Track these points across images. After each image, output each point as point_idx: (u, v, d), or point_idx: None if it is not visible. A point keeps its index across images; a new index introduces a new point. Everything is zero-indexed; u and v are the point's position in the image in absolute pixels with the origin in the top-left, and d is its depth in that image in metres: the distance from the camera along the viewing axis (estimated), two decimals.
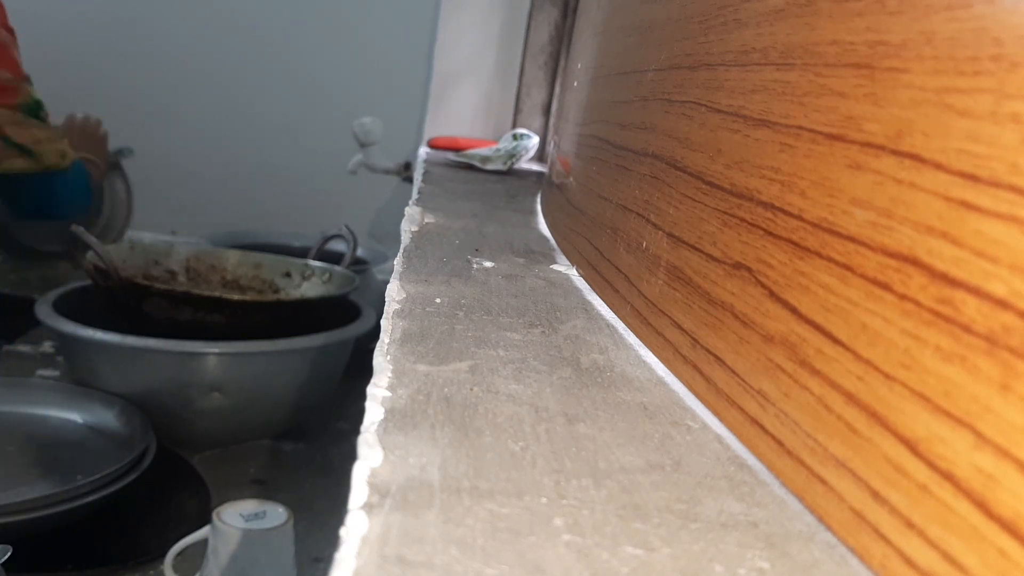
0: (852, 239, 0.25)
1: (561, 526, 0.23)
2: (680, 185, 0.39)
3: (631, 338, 0.43)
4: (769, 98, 0.31)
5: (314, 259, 1.14)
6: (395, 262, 0.53)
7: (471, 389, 0.33)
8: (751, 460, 0.29)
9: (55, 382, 0.93)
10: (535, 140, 1.23)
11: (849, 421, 0.24)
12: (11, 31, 1.12)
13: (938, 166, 0.22)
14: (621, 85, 0.53)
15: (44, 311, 0.88)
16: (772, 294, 0.29)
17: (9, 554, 0.58)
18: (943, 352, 0.21)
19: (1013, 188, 0.19)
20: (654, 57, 0.46)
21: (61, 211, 1.23)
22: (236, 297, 0.92)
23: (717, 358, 0.33)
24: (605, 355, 0.40)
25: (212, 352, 0.84)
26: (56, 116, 1.20)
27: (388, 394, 0.31)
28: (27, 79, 1.12)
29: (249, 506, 0.62)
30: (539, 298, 0.49)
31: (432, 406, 0.30)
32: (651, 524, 0.24)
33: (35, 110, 1.12)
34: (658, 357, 0.40)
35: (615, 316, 0.47)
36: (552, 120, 1.43)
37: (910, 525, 0.21)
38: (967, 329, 0.20)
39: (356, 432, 0.28)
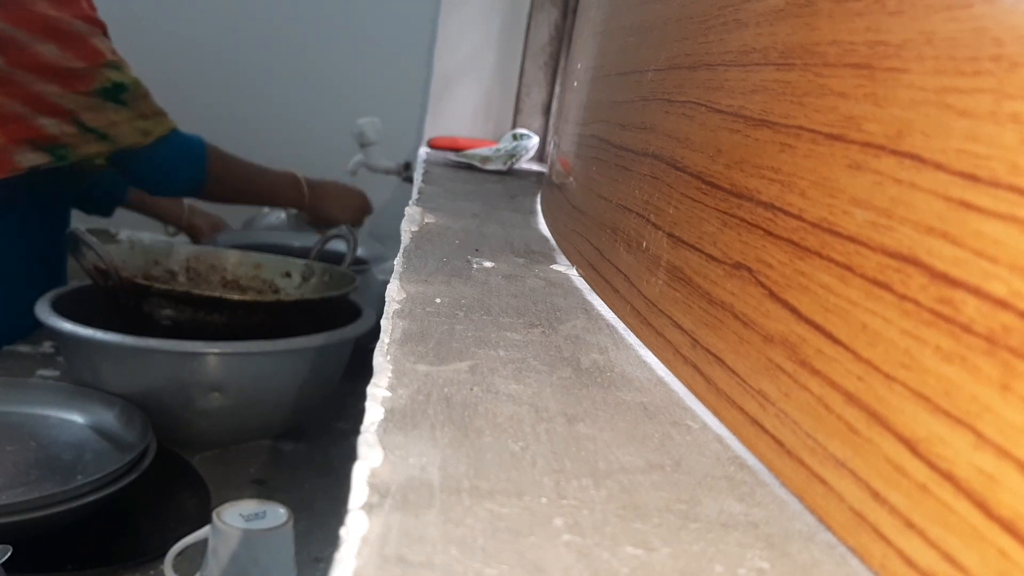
0: (852, 239, 0.25)
1: (561, 526, 0.23)
2: (680, 185, 0.39)
3: (631, 338, 0.43)
4: (769, 98, 0.31)
5: (314, 259, 1.13)
6: (395, 262, 0.53)
7: (471, 389, 0.33)
8: (751, 460, 0.29)
9: (55, 382, 0.93)
10: (535, 140, 1.23)
11: (849, 421, 0.24)
12: (92, 21, 1.15)
13: (938, 166, 0.22)
14: (621, 85, 0.53)
15: (44, 311, 0.88)
16: (772, 294, 0.29)
17: (9, 554, 0.58)
18: (943, 352, 0.21)
19: (1013, 188, 0.19)
20: (654, 57, 0.46)
21: (164, 186, 1.29)
22: (236, 297, 0.92)
23: (717, 358, 0.33)
24: (605, 355, 0.40)
25: (212, 352, 0.84)
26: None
27: (388, 394, 0.31)
28: (110, 64, 1.14)
29: (249, 506, 0.62)
30: (539, 298, 0.49)
31: (432, 406, 0.30)
32: (651, 524, 0.24)
33: (114, 93, 1.14)
34: (658, 357, 0.40)
35: (615, 316, 0.47)
36: (552, 120, 1.43)
37: (910, 525, 0.21)
38: (967, 329, 0.20)
39: (356, 432, 0.28)
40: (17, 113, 1.08)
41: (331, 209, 1.42)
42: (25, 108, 1.09)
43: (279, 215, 1.55)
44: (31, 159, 1.10)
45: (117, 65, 1.16)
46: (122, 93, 1.15)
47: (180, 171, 1.26)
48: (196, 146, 1.26)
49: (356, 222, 1.45)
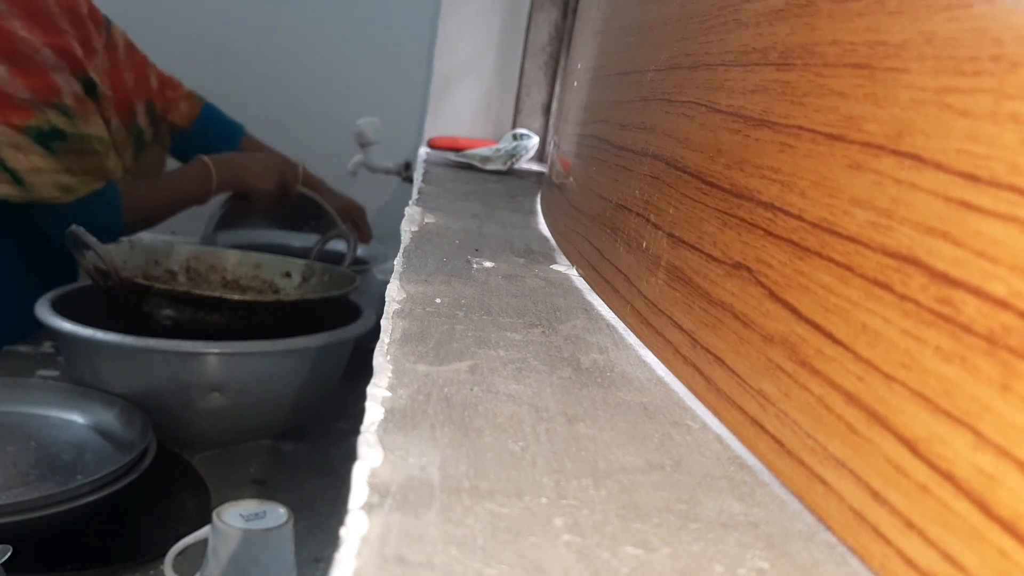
0: (852, 239, 0.25)
1: (561, 526, 0.23)
2: (680, 185, 0.39)
3: (631, 338, 0.43)
4: (769, 98, 0.31)
5: (314, 259, 1.14)
6: (395, 262, 0.53)
7: (471, 389, 0.33)
8: (751, 460, 0.29)
9: (55, 382, 0.93)
10: (535, 140, 1.23)
11: (849, 421, 0.24)
12: (66, 55, 1.06)
13: (938, 166, 0.22)
14: (621, 85, 0.53)
15: (44, 311, 0.88)
16: (772, 294, 0.29)
17: (9, 554, 0.58)
18: (943, 352, 0.21)
19: (1013, 188, 0.19)
20: (654, 57, 0.46)
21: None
22: (236, 297, 0.92)
23: (717, 358, 0.33)
24: (605, 355, 0.40)
25: (212, 352, 0.84)
26: None
27: (388, 394, 0.31)
28: (58, 106, 1.05)
29: (249, 506, 0.62)
30: (539, 298, 0.49)
31: (432, 406, 0.30)
32: (651, 524, 0.24)
33: (47, 138, 1.05)
34: (658, 357, 0.40)
35: (615, 316, 0.47)
36: (552, 120, 1.43)
37: (910, 525, 0.21)
38: (967, 329, 0.20)
39: (356, 432, 0.28)
40: None
41: (246, 180, 1.29)
42: None
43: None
44: None
45: (68, 111, 1.06)
46: (55, 141, 1.05)
47: (97, 227, 1.13)
48: (111, 196, 1.15)
49: (282, 186, 1.33)
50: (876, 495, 0.22)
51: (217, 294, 0.91)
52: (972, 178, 0.20)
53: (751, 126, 0.32)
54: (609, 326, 0.45)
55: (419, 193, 0.86)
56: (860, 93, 0.25)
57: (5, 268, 1.14)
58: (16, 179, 1.04)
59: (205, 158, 1.27)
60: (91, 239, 0.91)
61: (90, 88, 1.12)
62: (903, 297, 0.22)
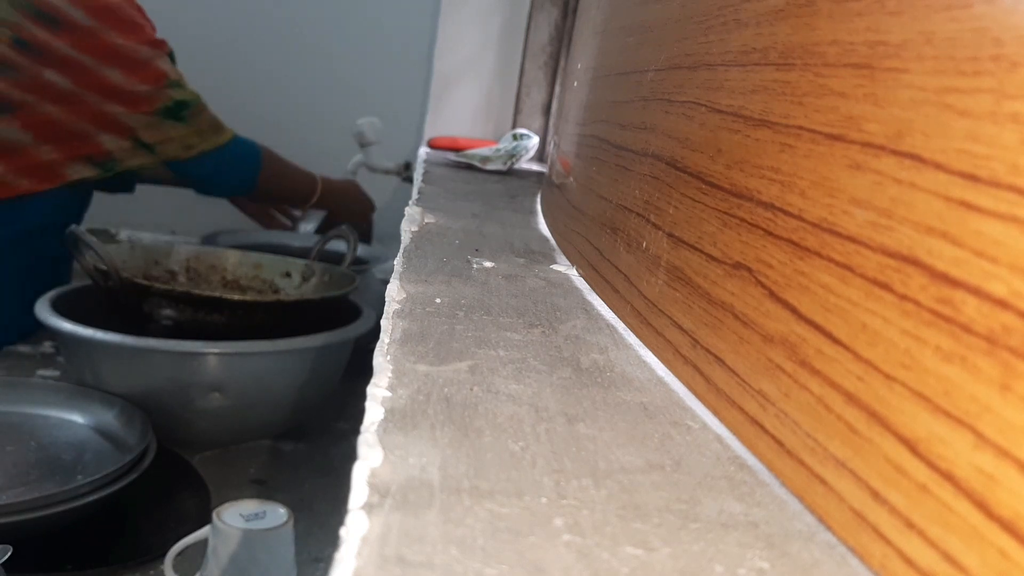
0: (852, 239, 0.25)
1: (561, 526, 0.23)
2: (680, 185, 0.39)
3: (631, 338, 0.43)
4: (769, 98, 0.31)
5: (314, 259, 1.14)
6: (395, 262, 0.53)
7: (471, 389, 0.33)
8: (751, 460, 0.29)
9: (55, 382, 0.93)
10: (535, 140, 1.23)
11: (849, 421, 0.24)
12: (156, 43, 1.22)
13: (938, 166, 0.22)
14: (621, 85, 0.53)
15: (44, 311, 0.88)
16: (772, 294, 0.29)
17: (9, 554, 0.58)
18: (943, 352, 0.21)
19: (1013, 188, 0.19)
20: (654, 57, 0.46)
21: (221, 188, 1.36)
22: (236, 297, 0.92)
23: (717, 358, 0.33)
24: (605, 355, 0.40)
25: (212, 352, 0.84)
26: None
27: (388, 394, 0.31)
28: (172, 83, 1.21)
29: (249, 506, 0.62)
30: (539, 298, 0.49)
31: (432, 406, 0.30)
32: (651, 524, 0.24)
33: (176, 111, 1.21)
34: (658, 357, 0.40)
35: (615, 316, 0.47)
36: (552, 120, 1.43)
37: (910, 525, 0.21)
38: (967, 329, 0.20)
39: (356, 432, 0.28)
40: (82, 131, 1.14)
41: (344, 208, 1.48)
42: (90, 126, 1.15)
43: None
44: (80, 171, 1.15)
45: (178, 83, 1.23)
46: (183, 110, 1.22)
47: (230, 178, 1.33)
48: (250, 156, 1.33)
49: (358, 225, 1.48)
50: (876, 495, 0.22)
51: (217, 294, 0.91)
52: (972, 178, 0.20)
53: (751, 126, 0.32)
54: (609, 326, 0.45)
55: (419, 193, 0.86)
56: (860, 93, 0.25)
57: (5, 268, 1.14)
58: (148, 148, 1.20)
59: (316, 177, 1.45)
60: (91, 239, 0.91)
61: (172, 57, 1.28)
62: (903, 297, 0.22)
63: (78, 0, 1.14)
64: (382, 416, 0.29)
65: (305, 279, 1.10)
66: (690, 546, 0.23)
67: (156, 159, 1.22)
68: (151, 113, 1.19)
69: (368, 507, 0.23)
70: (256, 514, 0.62)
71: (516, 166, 1.18)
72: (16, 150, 1.11)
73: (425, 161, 1.18)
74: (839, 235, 0.25)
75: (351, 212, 1.47)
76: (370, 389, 0.31)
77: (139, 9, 1.25)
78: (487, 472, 0.26)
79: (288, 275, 1.11)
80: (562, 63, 1.41)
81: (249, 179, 1.34)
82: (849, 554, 0.23)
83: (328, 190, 1.44)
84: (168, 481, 0.80)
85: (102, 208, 1.35)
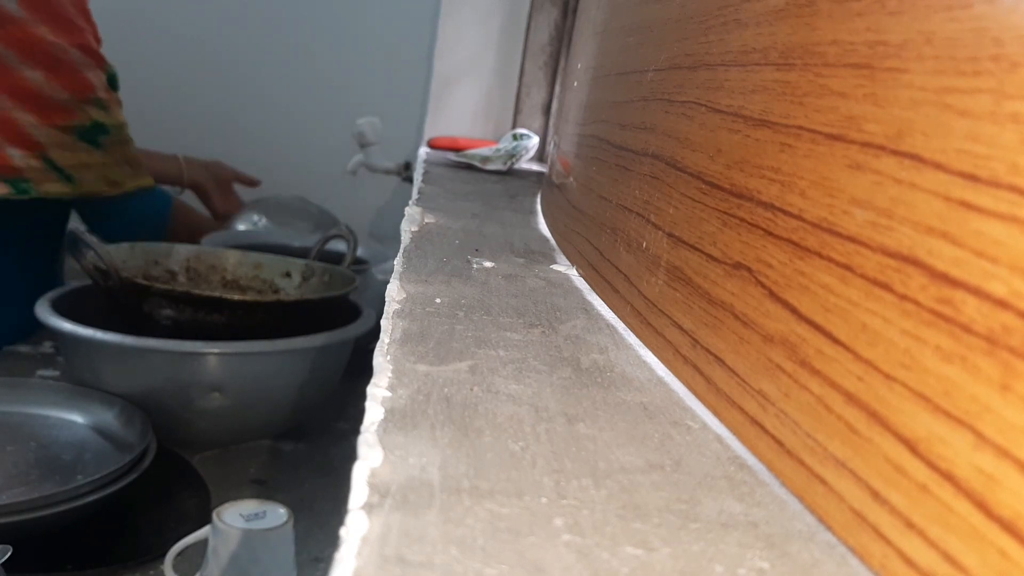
0: (852, 239, 0.25)
1: (561, 526, 0.23)
2: (680, 185, 0.39)
3: (631, 338, 0.43)
4: (769, 98, 0.31)
5: (314, 259, 1.13)
6: (395, 262, 0.53)
7: (471, 389, 0.33)
8: (751, 460, 0.29)
9: (55, 382, 0.93)
10: (535, 140, 1.23)
11: (849, 421, 0.24)
12: (90, 52, 1.12)
13: (938, 166, 0.22)
14: (621, 85, 0.53)
15: (44, 311, 0.88)
16: (772, 294, 0.29)
17: (9, 554, 0.58)
18: (943, 352, 0.21)
19: (1013, 188, 0.19)
20: (654, 57, 0.46)
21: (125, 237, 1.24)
22: (236, 297, 0.92)
23: (717, 358, 0.33)
24: (605, 355, 0.40)
25: (212, 352, 0.84)
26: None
27: (388, 394, 0.31)
28: (96, 101, 1.11)
29: (249, 506, 0.62)
30: (539, 298, 0.49)
31: (432, 406, 0.30)
32: (651, 524, 0.24)
33: (92, 134, 1.10)
34: (658, 357, 0.40)
35: (615, 316, 0.47)
36: (552, 120, 1.43)
37: (910, 525, 0.21)
38: (967, 329, 0.20)
39: (356, 432, 0.28)
40: None
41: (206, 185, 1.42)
42: None
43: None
44: None
45: (104, 104, 1.12)
46: (99, 135, 1.11)
47: (142, 231, 1.20)
48: (163, 206, 1.24)
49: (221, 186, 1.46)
50: (876, 495, 0.22)
51: (217, 294, 0.91)
52: (972, 178, 0.20)
53: (751, 126, 0.32)
54: (609, 326, 0.45)
55: (419, 193, 0.86)
56: (860, 93, 0.25)
57: (5, 268, 1.14)
58: (65, 176, 1.08)
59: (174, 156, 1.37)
60: (91, 239, 0.91)
61: (112, 81, 1.17)
62: (903, 297, 0.22)
63: None
64: (382, 416, 0.29)
65: (305, 279, 1.10)
66: (690, 546, 0.23)
67: (74, 190, 1.09)
68: (63, 129, 1.07)
69: (368, 507, 0.23)
70: (256, 514, 0.62)
71: (516, 166, 1.18)
72: None
73: (425, 161, 1.18)
74: (839, 235, 0.25)
75: (218, 180, 1.42)
76: (370, 389, 0.31)
77: (83, 11, 1.14)
78: (487, 472, 0.26)
79: (288, 275, 1.11)
80: (562, 63, 1.41)
81: (160, 234, 1.24)
82: (849, 554, 0.23)
83: (192, 165, 1.39)
84: (168, 481, 0.80)
85: None
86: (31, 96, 1.05)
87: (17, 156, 1.05)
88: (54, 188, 1.08)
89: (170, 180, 1.37)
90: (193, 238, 1.33)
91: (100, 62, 1.14)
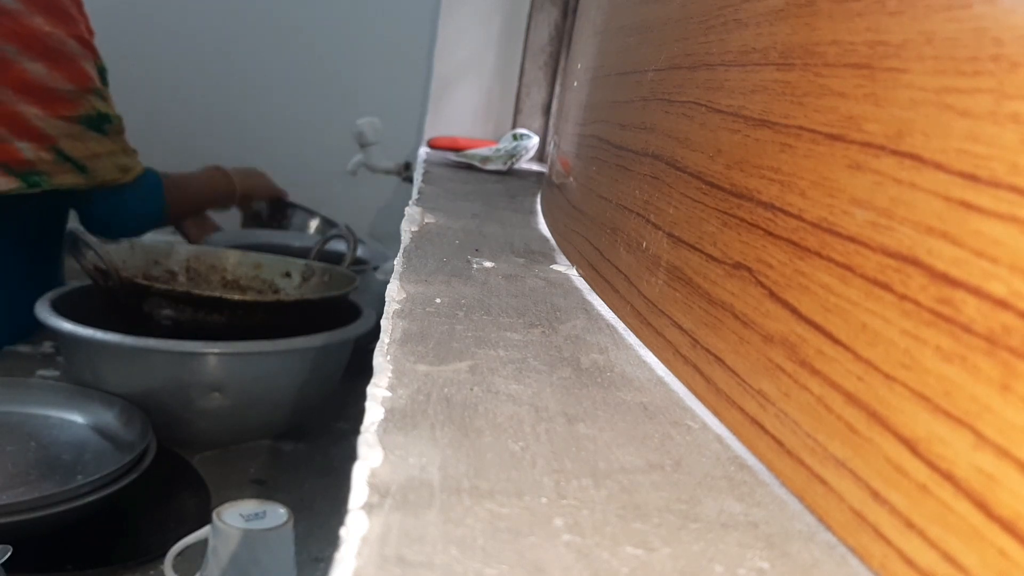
0: (852, 239, 0.25)
1: (561, 526, 0.23)
2: (680, 185, 0.39)
3: (631, 338, 0.43)
4: (769, 98, 0.31)
5: (314, 259, 1.14)
6: (395, 262, 0.53)
7: (471, 389, 0.33)
8: (751, 460, 0.29)
9: (55, 382, 0.93)
10: (535, 140, 1.23)
11: (849, 421, 0.24)
12: (85, 43, 1.12)
13: (938, 166, 0.22)
14: (621, 85, 0.53)
15: (44, 311, 0.88)
16: (772, 294, 0.29)
17: (9, 554, 0.58)
18: (943, 352, 0.21)
19: (1013, 188, 0.19)
20: (654, 57, 0.46)
21: (129, 228, 1.23)
22: (236, 297, 0.92)
23: (717, 358, 0.33)
24: (605, 355, 0.40)
25: (212, 352, 0.84)
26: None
27: (388, 394, 0.31)
28: (96, 91, 1.11)
29: (249, 506, 0.62)
30: (539, 298, 0.49)
31: (432, 406, 0.30)
32: (651, 524, 0.24)
33: (98, 123, 1.10)
34: (658, 357, 0.40)
35: (615, 316, 0.47)
36: (552, 120, 1.43)
37: (910, 525, 0.21)
38: (967, 329, 0.20)
39: (356, 432, 0.28)
40: None
41: (256, 189, 1.46)
42: (3, 129, 1.03)
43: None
44: (3, 184, 1.03)
45: (102, 95, 1.12)
46: (105, 124, 1.12)
47: (146, 210, 1.23)
48: (154, 182, 1.23)
49: (272, 196, 1.50)
50: (876, 495, 0.22)
51: (217, 294, 0.91)
52: (972, 178, 0.20)
53: (751, 126, 0.32)
54: (609, 326, 0.45)
55: (419, 193, 0.86)
56: (860, 93, 0.25)
57: (5, 268, 1.14)
58: (79, 167, 1.09)
59: (222, 167, 1.39)
60: (91, 239, 0.91)
61: (103, 73, 1.16)
62: (903, 297, 0.22)
63: None
64: (382, 416, 0.29)
65: (305, 279, 1.10)
66: (690, 546, 0.23)
67: (89, 180, 1.10)
68: (71, 120, 1.07)
69: (368, 507, 0.23)
70: (256, 514, 0.62)
71: (516, 166, 1.18)
72: None
73: (425, 161, 1.18)
74: (839, 235, 0.25)
75: (264, 188, 1.47)
76: (370, 389, 0.31)
77: (76, 2, 1.13)
78: (487, 472, 0.26)
79: (288, 275, 1.11)
80: (562, 63, 1.41)
81: (159, 207, 1.25)
82: (849, 554, 0.23)
83: (240, 175, 1.41)
84: (168, 481, 0.80)
85: None
86: (34, 88, 1.05)
87: (26, 149, 1.04)
88: (68, 179, 1.08)
89: (225, 199, 1.42)
90: (200, 206, 1.38)
91: (94, 54, 1.13)
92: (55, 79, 1.06)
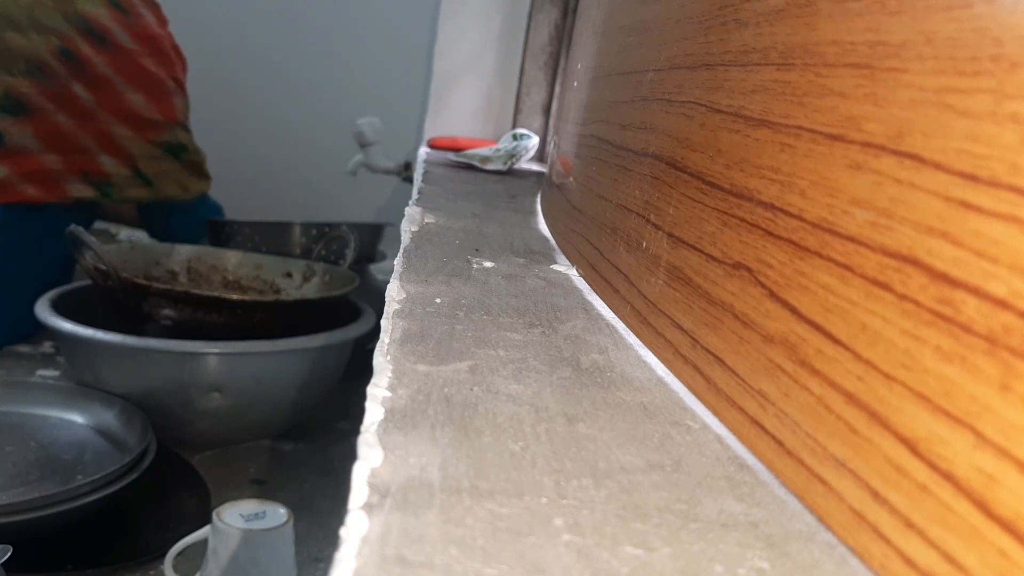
0: (852, 239, 0.25)
1: (561, 526, 0.23)
2: (680, 185, 0.39)
3: (631, 338, 0.43)
4: (769, 98, 0.31)
5: (314, 259, 1.14)
6: (395, 262, 0.53)
7: (471, 389, 0.33)
8: (751, 460, 0.29)
9: (55, 382, 0.93)
10: (535, 140, 1.23)
11: (849, 421, 0.24)
12: (180, 84, 1.32)
13: (938, 166, 0.22)
14: (621, 85, 0.53)
15: (44, 311, 0.88)
16: (772, 294, 0.29)
17: (9, 554, 0.58)
18: (943, 352, 0.21)
19: (1013, 188, 0.19)
20: (654, 57, 0.46)
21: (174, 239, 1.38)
22: (236, 297, 0.92)
23: (717, 358, 0.33)
24: (605, 355, 0.40)
25: (212, 352, 0.84)
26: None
27: (388, 394, 0.31)
28: (181, 125, 1.30)
29: (249, 506, 0.62)
30: (539, 298, 0.49)
31: (432, 406, 0.30)
32: (651, 524, 0.24)
33: (176, 150, 1.30)
34: (658, 357, 0.40)
35: (615, 316, 0.47)
36: (552, 120, 1.43)
37: (910, 525, 0.21)
38: (967, 329, 0.20)
39: (356, 432, 0.28)
40: (84, 146, 1.19)
41: None
42: (93, 143, 1.20)
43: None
44: (80, 191, 1.19)
45: (186, 128, 1.32)
46: (182, 153, 1.31)
47: (200, 234, 1.36)
48: (212, 207, 1.40)
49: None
50: (876, 495, 0.22)
51: (216, 294, 0.91)
52: (972, 178, 0.20)
53: (751, 126, 0.32)
54: (609, 326, 0.45)
55: (419, 193, 0.86)
56: (860, 93, 0.25)
57: (5, 268, 1.14)
58: (147, 181, 1.27)
59: None
60: (91, 239, 0.91)
61: (187, 107, 1.37)
62: (903, 297, 0.22)
63: (127, 25, 1.23)
64: (382, 416, 0.29)
65: (306, 279, 1.10)
66: (690, 546, 0.23)
67: (154, 194, 1.27)
68: (153, 143, 1.25)
69: (368, 507, 0.23)
70: (256, 514, 0.62)
71: (516, 166, 1.18)
72: (25, 154, 1.14)
73: (425, 161, 1.18)
74: (839, 235, 0.25)
75: None
76: (370, 389, 0.31)
77: (176, 48, 1.34)
78: (487, 472, 0.26)
79: (289, 275, 1.11)
80: (562, 63, 1.41)
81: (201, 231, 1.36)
82: (849, 554, 0.23)
83: None
84: (168, 481, 0.80)
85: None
86: (131, 116, 1.23)
87: (108, 163, 1.22)
88: (135, 193, 1.26)
89: None
90: None
91: (184, 91, 1.33)
92: (150, 110, 1.25)
